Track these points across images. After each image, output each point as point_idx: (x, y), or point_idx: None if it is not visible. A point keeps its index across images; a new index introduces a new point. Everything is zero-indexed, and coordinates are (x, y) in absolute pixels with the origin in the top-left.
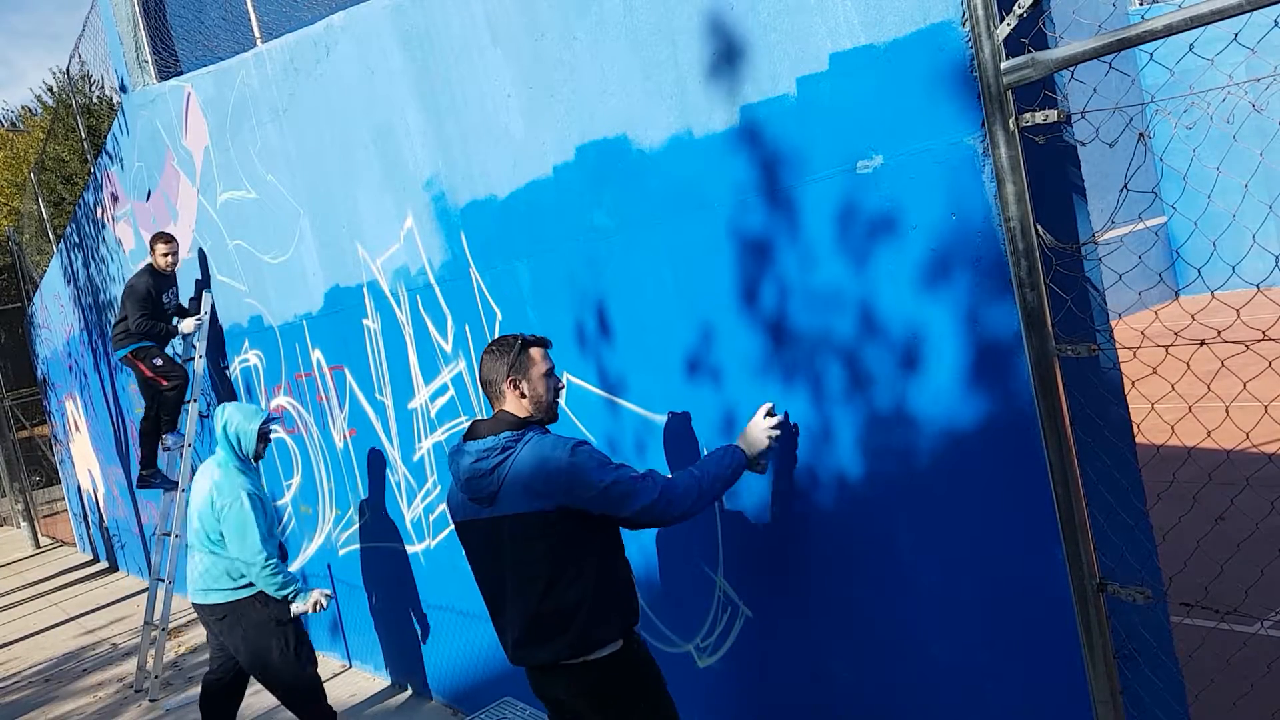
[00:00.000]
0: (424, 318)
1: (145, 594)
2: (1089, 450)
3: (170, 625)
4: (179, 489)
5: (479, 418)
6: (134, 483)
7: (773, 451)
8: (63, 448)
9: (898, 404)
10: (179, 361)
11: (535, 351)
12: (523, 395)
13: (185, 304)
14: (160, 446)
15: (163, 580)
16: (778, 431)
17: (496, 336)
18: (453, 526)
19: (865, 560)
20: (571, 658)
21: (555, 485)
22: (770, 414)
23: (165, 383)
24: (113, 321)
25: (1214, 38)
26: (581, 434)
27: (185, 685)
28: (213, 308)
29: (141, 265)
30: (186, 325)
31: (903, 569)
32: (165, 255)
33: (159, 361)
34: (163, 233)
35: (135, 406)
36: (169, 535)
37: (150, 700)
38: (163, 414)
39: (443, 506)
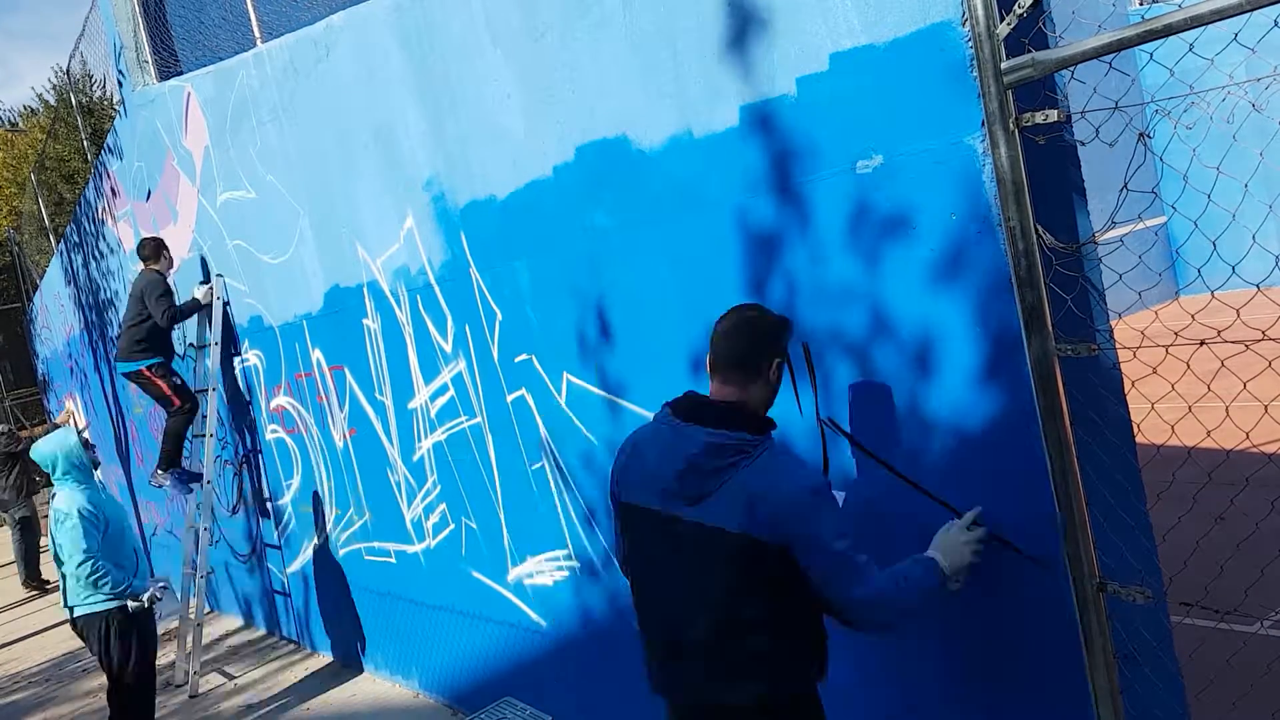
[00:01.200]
0: (424, 318)
1: None
2: (1089, 450)
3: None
4: (204, 480)
5: (693, 392)
6: (151, 479)
7: (971, 568)
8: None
9: (897, 404)
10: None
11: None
12: (770, 384)
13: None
14: (154, 482)
15: (193, 573)
16: (982, 546)
17: (745, 308)
18: (614, 503)
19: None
20: (754, 699)
21: (786, 519)
22: (976, 523)
23: (178, 402)
24: (117, 331)
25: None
26: (582, 434)
27: (188, 685)
28: (225, 303)
29: (141, 269)
30: (200, 292)
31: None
32: (154, 268)
33: (178, 380)
34: (156, 243)
35: (135, 405)
36: (197, 529)
37: (191, 696)
38: (166, 444)
39: (443, 507)
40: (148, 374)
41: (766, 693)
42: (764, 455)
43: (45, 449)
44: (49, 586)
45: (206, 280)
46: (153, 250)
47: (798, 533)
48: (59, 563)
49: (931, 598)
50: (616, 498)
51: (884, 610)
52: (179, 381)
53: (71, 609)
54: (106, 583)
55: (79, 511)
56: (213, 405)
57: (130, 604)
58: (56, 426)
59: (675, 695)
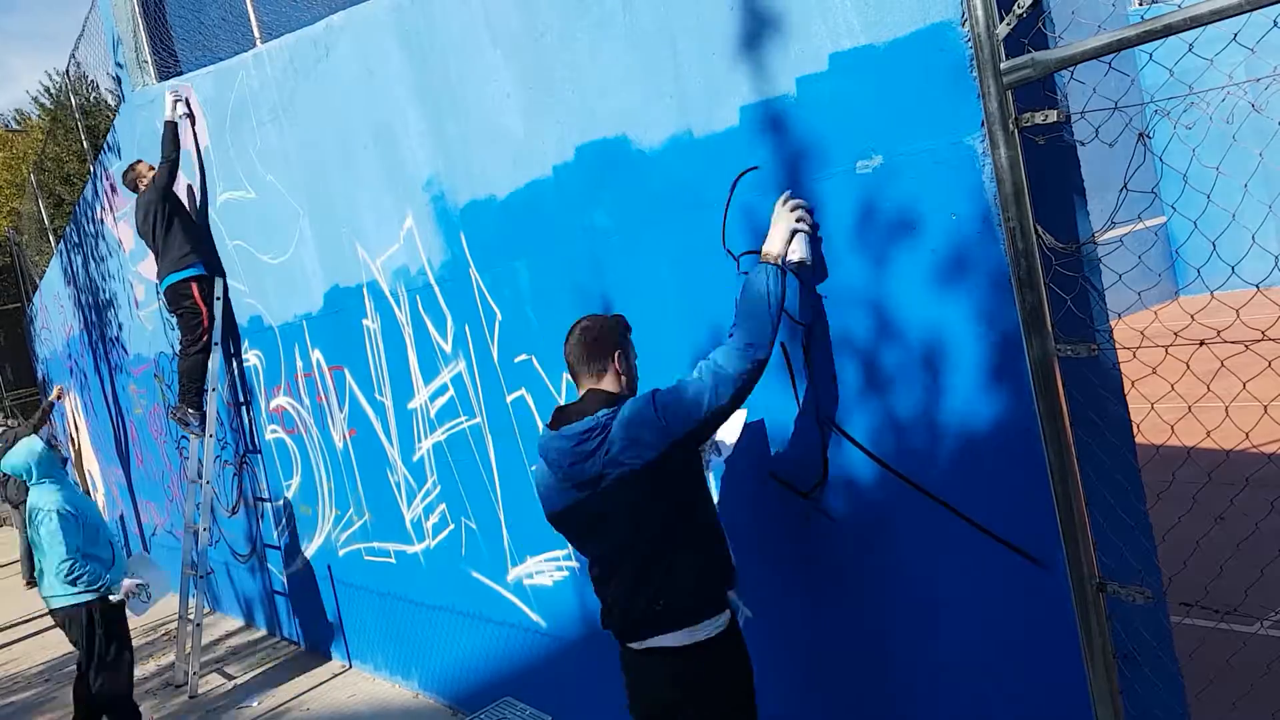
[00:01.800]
0: (424, 318)
1: None
2: (1089, 450)
3: (171, 626)
4: (207, 434)
5: (561, 404)
6: (171, 413)
7: (804, 236)
8: (62, 447)
9: (897, 404)
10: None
11: (628, 333)
12: (621, 373)
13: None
14: (176, 416)
15: (193, 572)
16: (801, 212)
17: (581, 320)
18: (551, 523)
19: (865, 560)
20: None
21: (653, 429)
22: (786, 201)
23: (207, 336)
24: (156, 252)
25: (1214, 38)
26: None
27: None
28: (221, 299)
29: (137, 196)
30: (166, 103)
31: (902, 569)
32: (148, 172)
33: (208, 293)
34: (129, 174)
35: (135, 405)
36: (196, 529)
37: (190, 697)
38: (187, 380)
39: (443, 507)
40: (194, 288)
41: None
42: (616, 416)
43: (17, 460)
44: None
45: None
46: (132, 181)
47: (666, 428)
48: (39, 557)
49: (772, 294)
50: (549, 517)
51: (730, 369)
52: (216, 312)
53: (49, 599)
54: (83, 578)
55: (58, 511)
56: (213, 406)
57: (111, 596)
58: (18, 438)
59: (629, 640)
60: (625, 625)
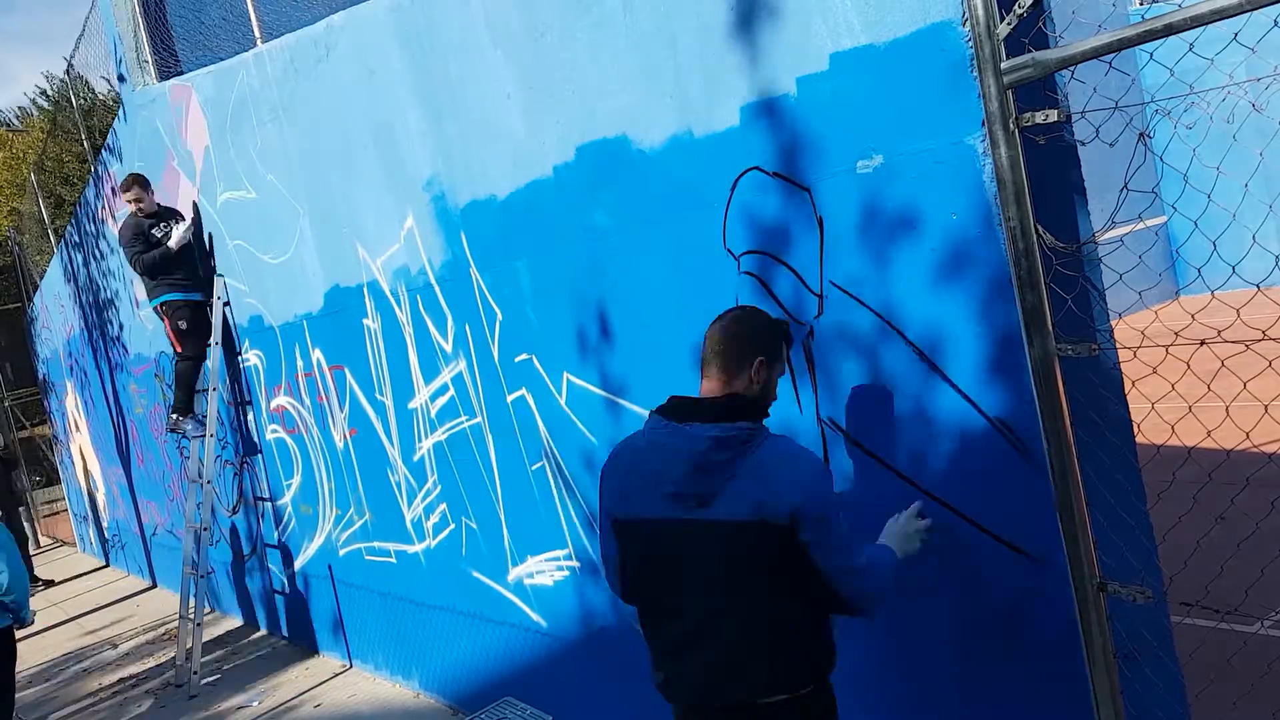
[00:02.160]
0: (424, 318)
1: (145, 594)
2: (1089, 450)
3: (171, 626)
4: (208, 434)
5: (678, 396)
6: (167, 426)
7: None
8: (63, 448)
9: (898, 403)
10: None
11: (786, 343)
12: (759, 380)
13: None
14: (177, 432)
15: (193, 572)
16: (928, 534)
17: (739, 308)
18: (611, 524)
19: None
20: (770, 695)
21: (791, 501)
22: (922, 514)
23: (180, 349)
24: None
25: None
26: (583, 434)
27: (189, 686)
28: (226, 303)
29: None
30: (173, 238)
31: (902, 568)
32: (133, 201)
33: (183, 325)
34: (128, 180)
35: (135, 405)
36: (197, 529)
37: (190, 697)
38: (176, 390)
39: (443, 507)
40: (160, 310)
41: (775, 689)
42: (765, 442)
43: None
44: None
45: (187, 220)
46: (131, 187)
47: (805, 512)
48: None
49: (897, 579)
50: (612, 517)
51: (875, 579)
52: (183, 325)
53: None
54: (11, 600)
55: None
56: (213, 405)
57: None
58: None
59: (688, 696)
60: (693, 689)
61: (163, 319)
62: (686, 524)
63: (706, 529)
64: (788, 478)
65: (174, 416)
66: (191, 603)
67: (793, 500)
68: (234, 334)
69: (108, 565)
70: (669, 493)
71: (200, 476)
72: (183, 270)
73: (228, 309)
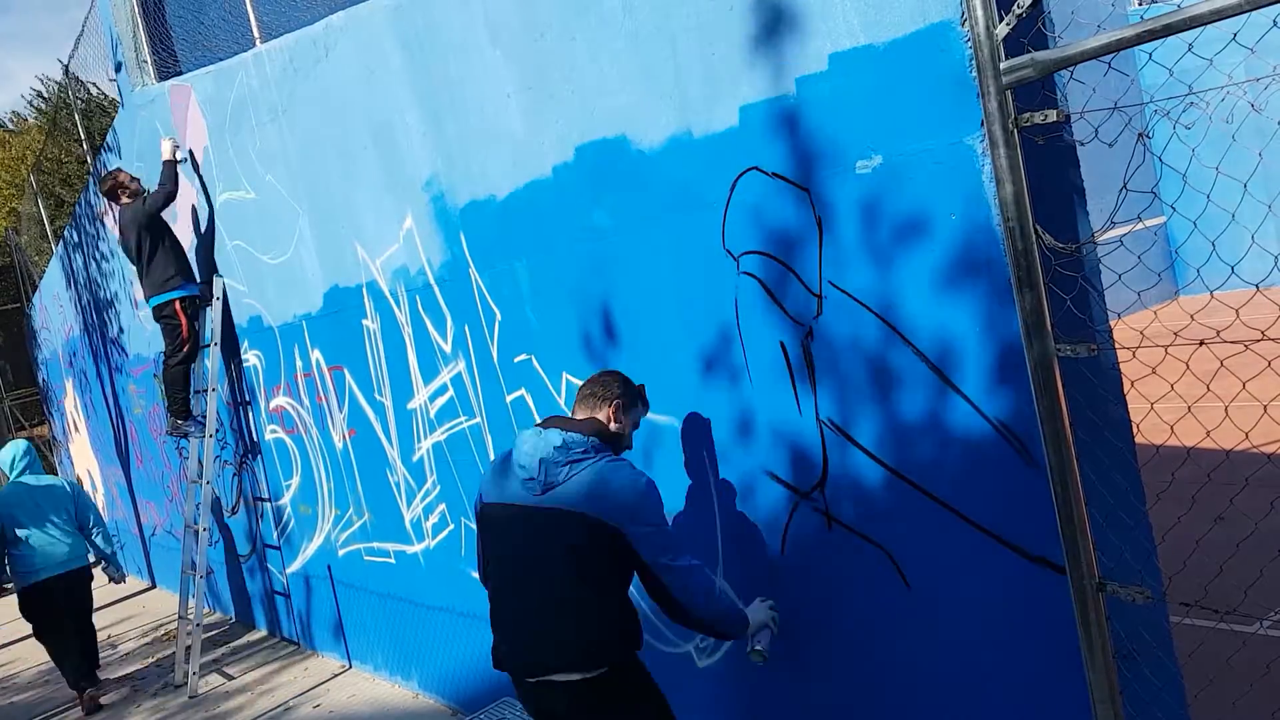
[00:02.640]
0: (423, 318)
1: (145, 594)
2: (1088, 450)
3: (170, 626)
4: (207, 434)
5: (560, 414)
6: (168, 430)
7: (769, 633)
8: (62, 448)
9: (896, 403)
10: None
11: (642, 403)
12: (617, 423)
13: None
14: (177, 433)
15: (192, 573)
16: (774, 615)
17: (610, 369)
18: (478, 511)
19: (864, 560)
20: (582, 674)
21: (621, 506)
22: (765, 600)
23: (187, 347)
24: (136, 276)
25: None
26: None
27: (189, 686)
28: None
29: (121, 207)
30: (165, 147)
31: (902, 568)
32: (129, 196)
33: (198, 324)
34: (109, 187)
35: (135, 405)
36: (196, 529)
37: (190, 697)
38: (175, 394)
39: (443, 507)
40: (177, 307)
41: (588, 659)
42: (606, 458)
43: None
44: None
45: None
46: (110, 189)
47: (629, 515)
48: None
49: (732, 626)
50: (479, 504)
51: (695, 587)
52: (196, 327)
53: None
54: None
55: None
56: (213, 406)
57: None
58: None
59: (523, 673)
60: (521, 664)
61: (179, 314)
62: (531, 508)
63: (546, 515)
64: (620, 484)
65: (177, 421)
66: (191, 603)
67: (622, 502)
68: (234, 335)
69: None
70: (522, 479)
71: (200, 477)
72: (179, 264)
73: (227, 309)
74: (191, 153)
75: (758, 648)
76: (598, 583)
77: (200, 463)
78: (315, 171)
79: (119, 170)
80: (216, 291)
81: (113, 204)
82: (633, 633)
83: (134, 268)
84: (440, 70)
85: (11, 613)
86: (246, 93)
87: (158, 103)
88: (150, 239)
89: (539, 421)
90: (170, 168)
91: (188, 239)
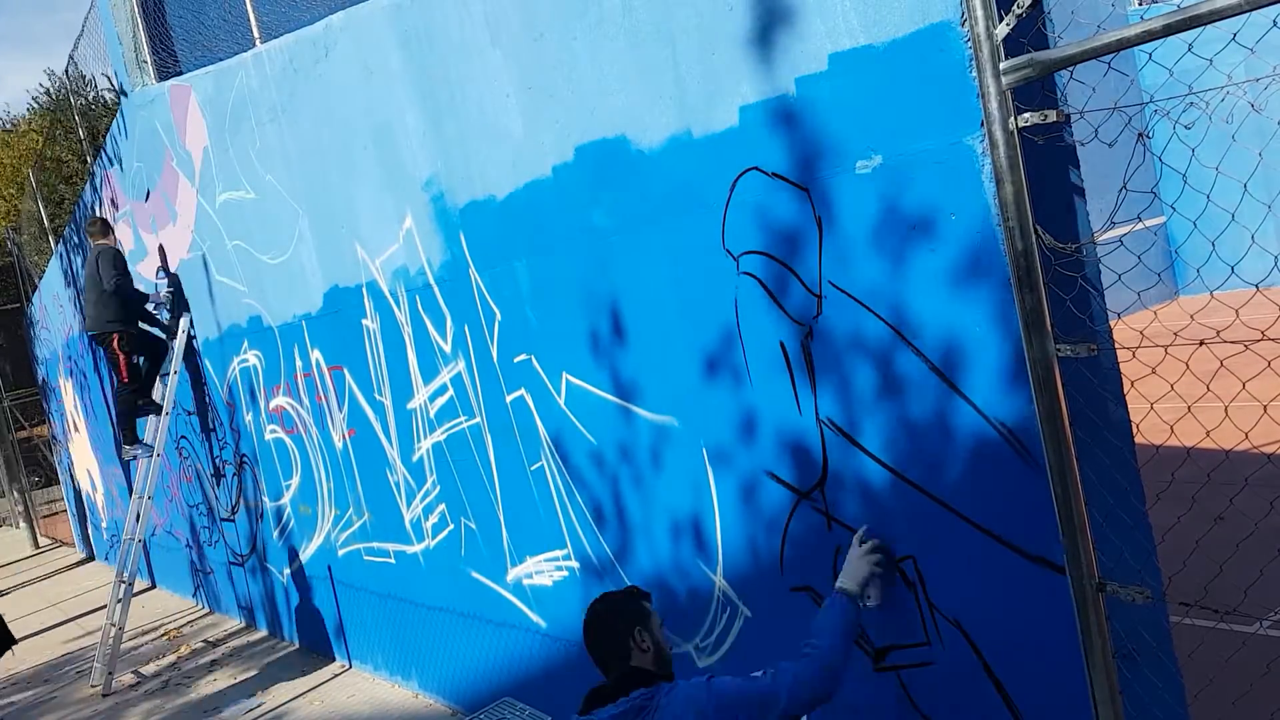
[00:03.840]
0: (423, 318)
1: (145, 595)
2: (1088, 450)
3: (170, 626)
4: (155, 454)
5: (594, 688)
6: (120, 454)
7: (878, 579)
8: (62, 448)
9: (896, 405)
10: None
11: (645, 602)
12: (645, 648)
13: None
14: (126, 456)
15: (124, 580)
16: (879, 556)
17: (593, 604)
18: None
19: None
20: None
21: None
22: (863, 541)
23: (126, 379)
24: (82, 304)
25: (1213, 38)
26: (582, 434)
27: (189, 687)
28: (191, 337)
29: (96, 244)
30: (160, 292)
31: (902, 568)
32: (105, 241)
33: (135, 360)
34: (106, 224)
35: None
36: (133, 540)
37: (104, 695)
38: (121, 421)
39: (442, 507)
40: (115, 346)
41: None
42: (663, 695)
43: None
44: None
45: (169, 288)
46: (101, 228)
47: (725, 714)
48: None
49: (852, 626)
50: None
51: (808, 686)
52: (136, 361)
53: None
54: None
55: None
56: (164, 426)
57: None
58: None
59: None
60: None
61: (113, 349)
62: None
63: None
64: (694, 710)
65: (125, 446)
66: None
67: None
68: (201, 367)
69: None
70: None
71: (144, 493)
72: (125, 314)
73: (183, 336)
74: (191, 154)
75: (869, 603)
76: None
77: (145, 480)
78: (315, 171)
79: (100, 219)
80: (184, 326)
81: (89, 240)
82: None
83: (85, 292)
84: (440, 70)
85: (12, 612)
86: (246, 93)
87: (157, 103)
88: (105, 286)
89: (581, 710)
90: (142, 296)
91: (187, 238)
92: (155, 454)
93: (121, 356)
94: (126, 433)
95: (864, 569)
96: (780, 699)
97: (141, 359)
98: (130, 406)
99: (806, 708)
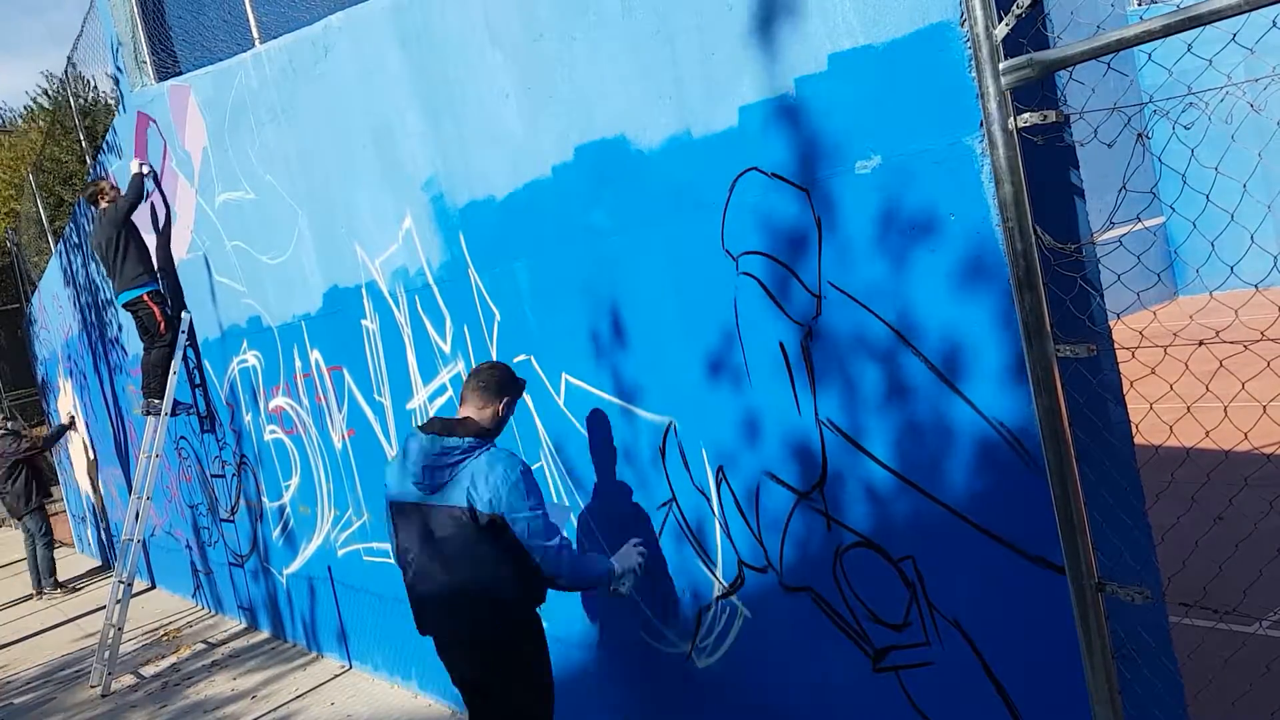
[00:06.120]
0: (422, 318)
1: (145, 595)
2: (1087, 450)
3: (170, 627)
4: (163, 413)
5: (441, 417)
6: (141, 409)
7: (634, 575)
8: (61, 448)
9: (895, 405)
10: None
11: (523, 388)
12: (497, 414)
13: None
14: (151, 411)
15: (123, 581)
16: (643, 553)
17: (491, 360)
18: (387, 503)
19: (863, 561)
20: (488, 634)
21: (500, 497)
22: (636, 544)
23: (165, 331)
24: (106, 273)
25: (1212, 38)
26: (581, 435)
27: (189, 687)
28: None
29: (99, 210)
30: (132, 165)
31: (901, 568)
32: (106, 204)
33: (168, 310)
34: (89, 187)
35: (135, 406)
36: (132, 540)
37: (103, 696)
38: (154, 374)
39: None
40: (147, 300)
41: (502, 621)
42: (483, 453)
43: None
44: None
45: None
46: (92, 194)
47: (507, 504)
48: None
49: (593, 585)
50: (387, 498)
51: (562, 562)
52: (169, 311)
53: None
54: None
55: None
56: (163, 424)
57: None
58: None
59: (440, 634)
60: (438, 632)
61: (150, 306)
62: (425, 505)
63: (436, 510)
64: (497, 479)
65: (152, 400)
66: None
67: (501, 494)
68: (199, 361)
69: (105, 566)
70: (414, 483)
71: (143, 493)
72: (145, 265)
73: (193, 337)
74: (190, 154)
75: (620, 589)
76: (493, 560)
77: (154, 434)
78: (314, 172)
79: (102, 178)
80: (183, 326)
81: (92, 207)
82: (529, 594)
83: (105, 266)
84: (440, 70)
85: (12, 613)
86: (246, 93)
87: (157, 103)
88: (121, 240)
89: (421, 425)
90: (137, 180)
91: (187, 238)
92: (164, 412)
93: (155, 309)
94: (155, 387)
95: (632, 558)
96: (549, 551)
97: (168, 310)
98: (165, 360)
99: (546, 559)
